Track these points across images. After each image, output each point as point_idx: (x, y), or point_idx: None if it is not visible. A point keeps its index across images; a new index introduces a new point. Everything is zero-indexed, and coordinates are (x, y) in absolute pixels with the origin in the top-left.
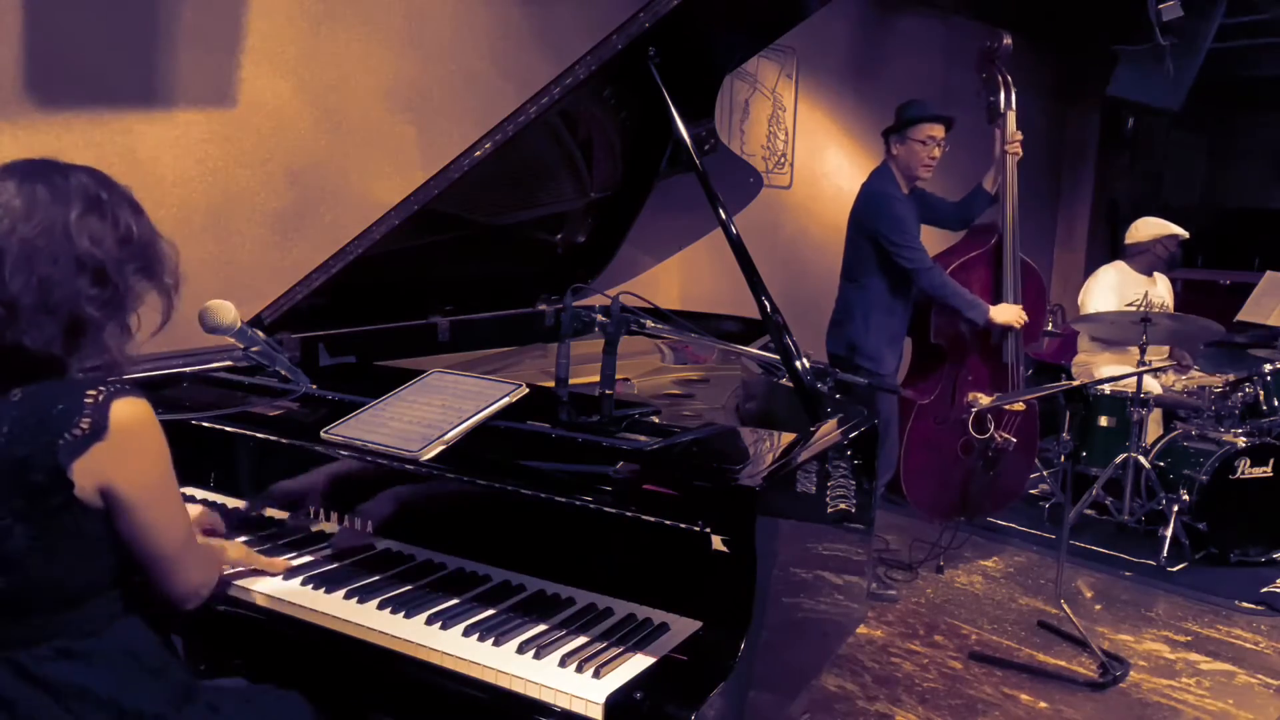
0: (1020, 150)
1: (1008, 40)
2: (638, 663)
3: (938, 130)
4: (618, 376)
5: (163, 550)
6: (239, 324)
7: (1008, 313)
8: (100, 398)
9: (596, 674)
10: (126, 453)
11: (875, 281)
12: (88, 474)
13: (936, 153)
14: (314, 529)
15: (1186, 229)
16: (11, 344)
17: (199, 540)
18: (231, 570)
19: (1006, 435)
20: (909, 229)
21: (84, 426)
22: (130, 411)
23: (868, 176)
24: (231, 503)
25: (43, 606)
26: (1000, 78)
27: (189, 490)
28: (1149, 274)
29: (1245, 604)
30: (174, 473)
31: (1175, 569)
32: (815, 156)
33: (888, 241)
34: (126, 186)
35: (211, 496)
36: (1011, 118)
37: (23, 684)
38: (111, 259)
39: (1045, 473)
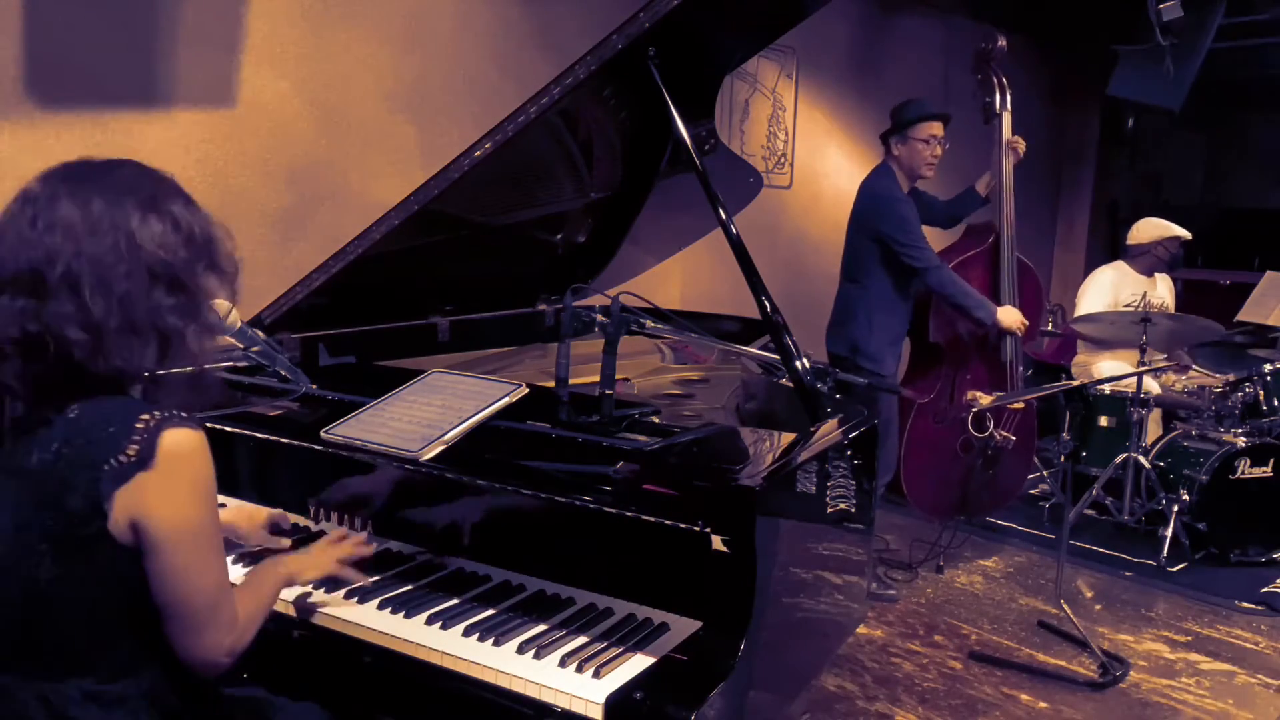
0: (1022, 148)
1: (1002, 41)
2: (638, 663)
3: (938, 128)
4: (618, 376)
5: (190, 602)
6: (239, 324)
7: (1011, 317)
8: (152, 424)
9: (596, 674)
10: (168, 484)
11: (877, 282)
12: (125, 504)
13: (939, 150)
14: (314, 529)
15: (1187, 229)
16: (101, 369)
17: (238, 599)
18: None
19: (1006, 434)
20: (915, 229)
21: (130, 453)
22: (181, 441)
23: (870, 177)
24: (232, 502)
25: (71, 637)
26: (995, 79)
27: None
28: (1149, 275)
29: (1245, 604)
30: (217, 514)
31: (1175, 569)
32: (815, 156)
33: (894, 242)
34: (169, 173)
35: None
36: (1007, 118)
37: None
38: (182, 262)
39: (1045, 473)
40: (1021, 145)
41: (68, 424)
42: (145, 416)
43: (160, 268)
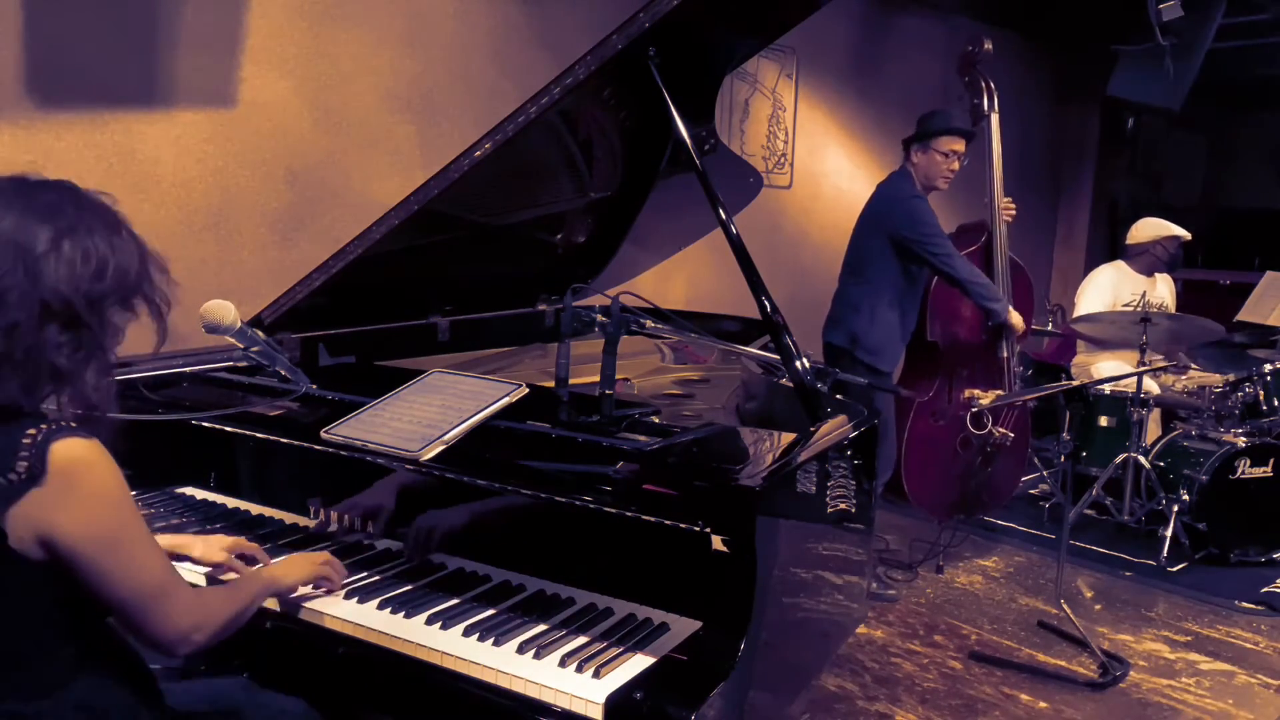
0: (1013, 212)
1: (988, 45)
2: (638, 663)
3: (960, 144)
4: (618, 376)
5: (130, 596)
6: (239, 324)
7: (1017, 317)
8: (39, 437)
9: (596, 674)
10: (68, 499)
11: (884, 279)
12: (24, 522)
13: (956, 165)
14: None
15: (1187, 229)
16: None
17: (232, 577)
18: (298, 593)
19: (1005, 431)
20: (935, 223)
21: (19, 471)
22: (72, 453)
23: (886, 180)
24: (232, 503)
25: None
26: (982, 81)
27: (189, 490)
28: (1149, 274)
29: (1245, 604)
30: (135, 513)
31: (1175, 569)
32: (815, 156)
33: (916, 238)
34: (107, 197)
35: (211, 496)
36: (995, 119)
37: None
38: (82, 298)
39: (1045, 473)
40: (1013, 210)
41: None
42: (31, 431)
43: (57, 302)
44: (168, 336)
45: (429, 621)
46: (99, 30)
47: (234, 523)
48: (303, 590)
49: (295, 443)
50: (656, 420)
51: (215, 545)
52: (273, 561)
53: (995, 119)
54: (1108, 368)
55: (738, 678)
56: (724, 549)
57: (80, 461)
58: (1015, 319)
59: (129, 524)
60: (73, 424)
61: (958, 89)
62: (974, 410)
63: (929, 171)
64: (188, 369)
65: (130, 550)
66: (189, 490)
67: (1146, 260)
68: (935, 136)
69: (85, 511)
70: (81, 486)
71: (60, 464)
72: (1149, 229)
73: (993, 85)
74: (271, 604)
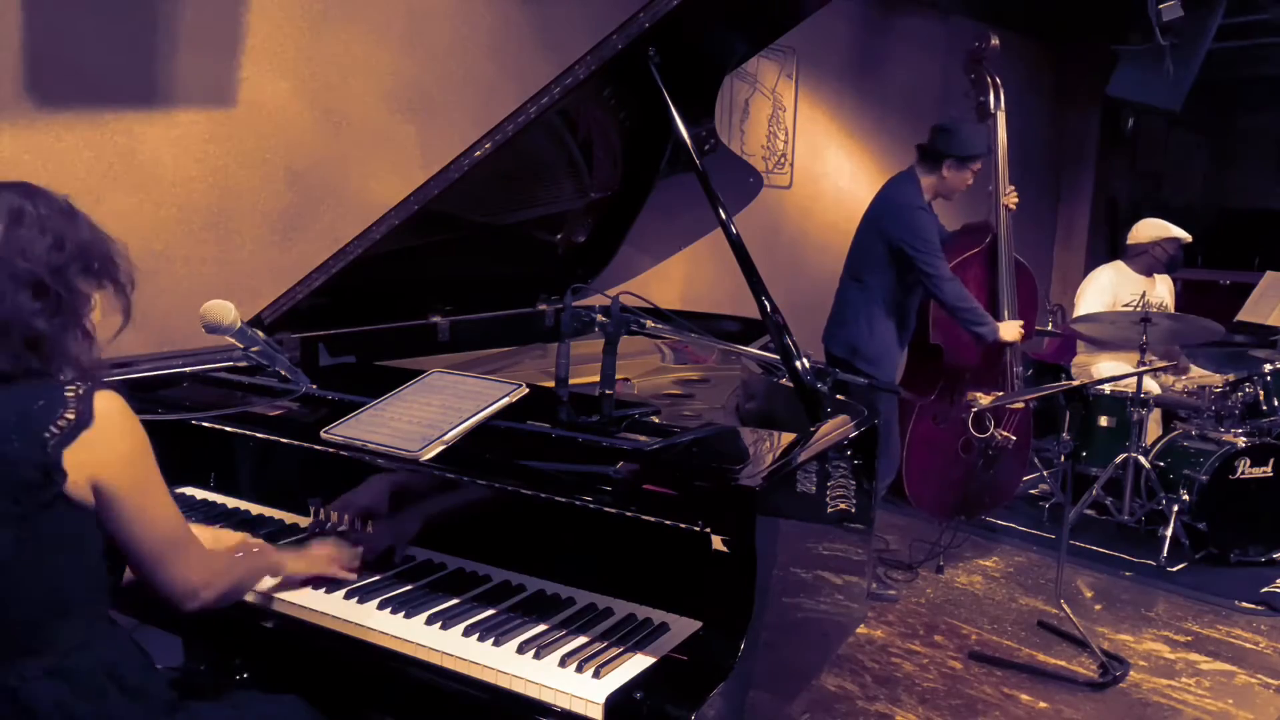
0: (1015, 200)
1: (995, 41)
2: (638, 663)
3: (980, 162)
4: (618, 376)
5: (153, 543)
6: (239, 324)
7: (1011, 330)
8: (81, 391)
9: (596, 674)
10: (114, 440)
11: (881, 284)
12: (79, 465)
13: (971, 180)
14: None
15: (1187, 229)
16: None
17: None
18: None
19: (1007, 433)
20: (934, 240)
21: (69, 417)
22: (112, 402)
23: (893, 183)
24: (232, 503)
25: (29, 615)
26: (989, 78)
27: (189, 490)
28: (1148, 275)
29: (1245, 604)
30: (156, 465)
31: (1175, 569)
32: (815, 156)
33: (912, 250)
34: (62, 196)
35: (212, 496)
36: (1002, 118)
37: (7, 708)
38: (45, 267)
39: (1045, 473)
40: (1015, 199)
41: None
42: (71, 387)
43: (23, 274)
44: (132, 314)
45: (429, 621)
46: (99, 30)
47: (234, 523)
48: (303, 589)
49: (295, 443)
50: (656, 420)
51: (223, 537)
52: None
53: (1001, 117)
54: (1108, 368)
55: (738, 678)
56: (724, 549)
57: (119, 409)
58: (1008, 332)
59: (154, 471)
60: (101, 379)
61: (961, 87)
62: (974, 411)
63: (954, 185)
64: (188, 369)
65: (156, 497)
66: (189, 490)
67: (1145, 261)
68: (975, 159)
69: (127, 451)
70: (124, 429)
71: (104, 410)
72: (1149, 230)
73: (999, 82)
74: (268, 602)
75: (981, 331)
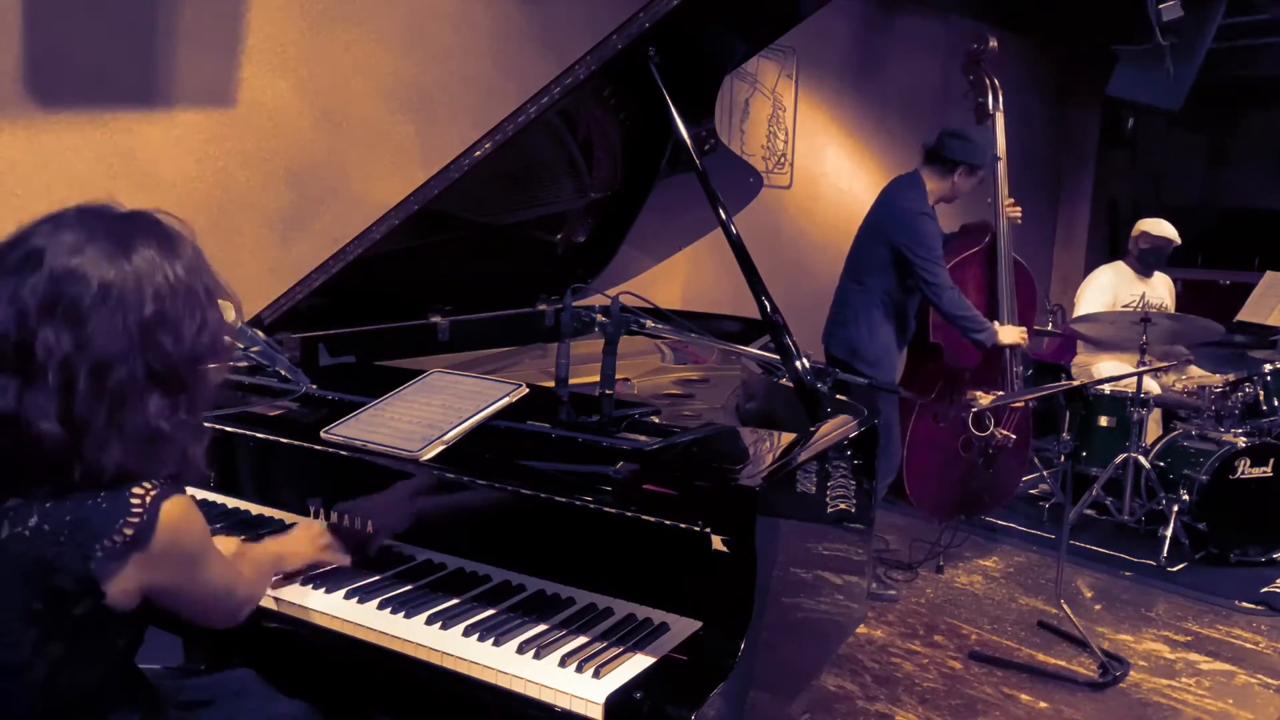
0: (1019, 213)
1: (994, 43)
2: (638, 663)
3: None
4: (618, 376)
5: (210, 605)
6: (239, 324)
7: (1011, 335)
8: (148, 499)
9: (596, 674)
10: (172, 557)
11: (881, 285)
12: (125, 580)
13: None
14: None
15: (1187, 229)
16: (70, 468)
17: (240, 552)
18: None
19: (1007, 433)
20: (937, 246)
21: (127, 533)
22: (175, 513)
23: (896, 186)
24: (232, 503)
25: (51, 707)
26: (987, 80)
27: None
28: (1148, 275)
29: (1245, 604)
30: (212, 541)
31: (1175, 569)
32: (815, 156)
33: (914, 255)
34: (190, 234)
35: (211, 496)
36: (1000, 119)
37: None
38: (185, 360)
39: (1045, 473)
40: (1018, 211)
41: (42, 498)
42: (138, 491)
43: (161, 367)
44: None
45: (429, 621)
46: (99, 30)
47: (234, 523)
48: (303, 589)
49: (295, 443)
50: (656, 420)
51: (221, 544)
52: (271, 539)
53: (1000, 118)
54: (1108, 368)
55: (738, 678)
56: (724, 549)
57: (183, 521)
58: (1008, 336)
59: (211, 553)
60: (174, 478)
61: (961, 87)
62: (974, 410)
63: (962, 191)
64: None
65: (209, 572)
66: (189, 490)
67: (1135, 257)
68: (985, 167)
69: (185, 564)
70: (183, 545)
71: (167, 525)
72: (1138, 227)
73: (998, 84)
74: (268, 602)
75: (980, 338)
